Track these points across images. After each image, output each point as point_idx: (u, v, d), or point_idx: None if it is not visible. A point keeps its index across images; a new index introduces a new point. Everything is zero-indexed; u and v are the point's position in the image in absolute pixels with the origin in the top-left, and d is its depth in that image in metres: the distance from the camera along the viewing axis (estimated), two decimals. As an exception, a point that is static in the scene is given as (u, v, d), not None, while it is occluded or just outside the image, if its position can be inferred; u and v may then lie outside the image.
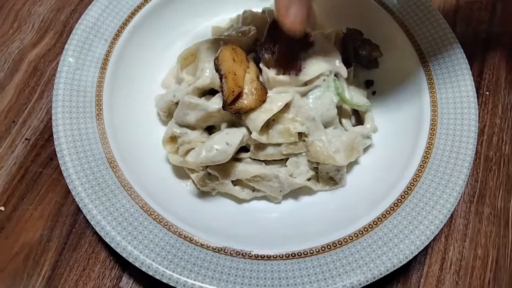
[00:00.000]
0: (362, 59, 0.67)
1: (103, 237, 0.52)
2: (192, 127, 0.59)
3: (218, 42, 0.61)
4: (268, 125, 0.56)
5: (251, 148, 0.57)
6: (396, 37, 0.68)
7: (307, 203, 0.61)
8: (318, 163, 0.59)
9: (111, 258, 0.59)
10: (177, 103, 0.62)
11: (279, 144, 0.57)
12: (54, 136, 0.57)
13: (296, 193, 0.61)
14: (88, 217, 0.53)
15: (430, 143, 0.60)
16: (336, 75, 0.61)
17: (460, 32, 0.76)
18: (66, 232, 0.61)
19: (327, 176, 0.60)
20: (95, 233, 0.60)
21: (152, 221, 0.54)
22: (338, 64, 0.60)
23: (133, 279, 0.58)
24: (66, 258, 0.59)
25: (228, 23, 0.70)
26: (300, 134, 0.57)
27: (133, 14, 0.66)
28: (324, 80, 0.57)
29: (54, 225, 0.61)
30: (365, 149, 0.63)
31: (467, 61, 0.64)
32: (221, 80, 0.55)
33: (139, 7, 0.67)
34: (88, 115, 0.59)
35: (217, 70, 0.56)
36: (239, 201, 0.60)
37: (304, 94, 0.57)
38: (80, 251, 0.60)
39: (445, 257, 0.62)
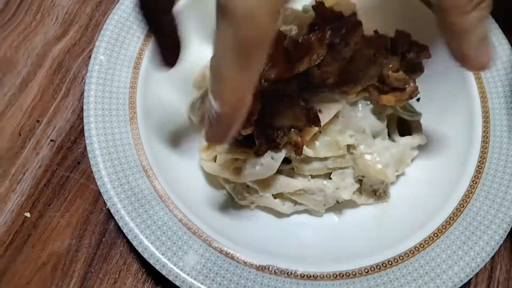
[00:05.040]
0: (407, 62, 0.63)
1: (141, 253, 0.49)
2: None
3: None
4: (314, 137, 0.52)
5: (295, 162, 0.54)
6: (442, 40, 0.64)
7: (350, 216, 0.58)
8: (363, 175, 0.56)
9: (144, 270, 0.56)
10: (212, 109, 0.58)
11: (325, 158, 0.53)
12: (87, 141, 0.54)
13: (338, 206, 0.58)
14: (124, 230, 0.50)
15: (482, 157, 0.56)
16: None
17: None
18: (96, 242, 0.57)
19: (371, 188, 0.57)
20: (126, 243, 0.57)
21: (191, 235, 0.51)
22: (387, 70, 0.57)
23: (166, 294, 0.55)
24: (96, 269, 0.56)
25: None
26: (348, 146, 0.53)
27: (167, 10, 0.62)
28: (376, 88, 0.54)
29: (82, 234, 0.58)
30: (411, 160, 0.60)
31: (521, 69, 0.60)
32: None
33: (174, 2, 0.62)
34: (121, 118, 0.56)
35: None
36: (279, 214, 0.57)
37: (353, 103, 0.54)
38: (110, 263, 0.57)
39: (492, 276, 0.59)
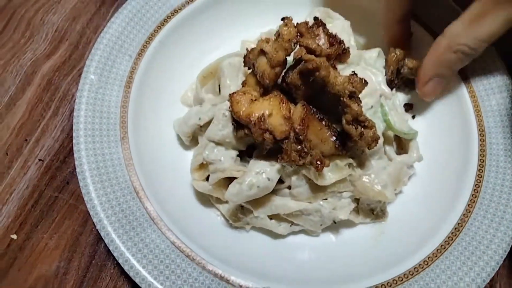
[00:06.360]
0: (402, 78, 0.63)
1: (132, 277, 0.47)
2: (227, 146, 0.54)
3: (240, 55, 0.56)
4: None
5: (293, 190, 0.53)
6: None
7: (348, 237, 0.57)
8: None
9: (135, 294, 0.54)
10: (202, 126, 0.57)
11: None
12: (76, 163, 0.52)
13: (335, 225, 0.57)
14: (115, 254, 0.49)
15: (479, 175, 0.56)
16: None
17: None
18: (85, 264, 0.56)
19: (368, 208, 0.56)
20: (117, 265, 0.55)
21: (185, 258, 0.49)
22: (383, 86, 0.56)
23: (158, 318, 0.53)
24: (86, 293, 0.54)
25: (258, 37, 0.65)
26: (348, 165, 0.52)
27: (159, 28, 0.61)
28: (372, 107, 0.53)
29: (71, 256, 0.56)
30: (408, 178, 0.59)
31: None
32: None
33: (166, 21, 0.62)
34: (112, 138, 0.55)
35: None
36: (275, 235, 0.56)
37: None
38: (100, 286, 0.55)
39: (492, 295, 0.58)
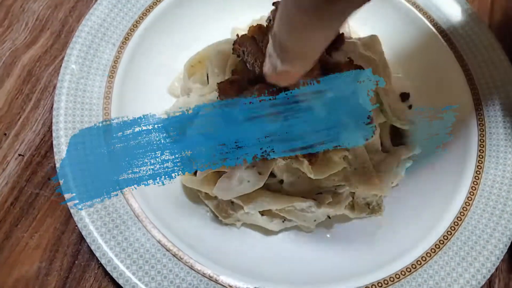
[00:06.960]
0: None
1: (115, 279, 0.45)
2: None
3: (230, 43, 0.54)
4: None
5: (285, 185, 0.50)
6: (435, 47, 0.61)
7: (343, 233, 0.54)
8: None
9: (120, 295, 0.52)
10: (190, 119, 0.55)
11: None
12: (56, 158, 0.50)
13: (329, 221, 0.54)
14: (97, 254, 0.46)
15: (479, 167, 0.54)
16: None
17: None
18: (68, 265, 0.53)
19: (364, 202, 0.54)
20: (101, 265, 0.52)
21: (171, 257, 0.47)
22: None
23: (145, 319, 0.51)
24: (68, 295, 0.51)
25: (250, 24, 0.63)
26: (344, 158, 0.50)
27: (144, 14, 0.59)
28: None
29: (53, 256, 0.53)
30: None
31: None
32: None
33: (152, 6, 0.59)
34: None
35: None
36: (267, 232, 0.53)
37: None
38: (84, 287, 0.52)
39: (491, 291, 0.56)
